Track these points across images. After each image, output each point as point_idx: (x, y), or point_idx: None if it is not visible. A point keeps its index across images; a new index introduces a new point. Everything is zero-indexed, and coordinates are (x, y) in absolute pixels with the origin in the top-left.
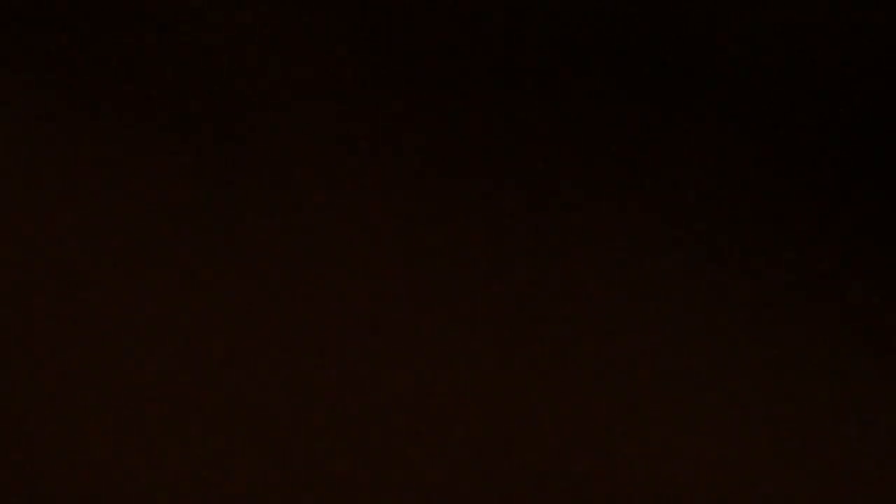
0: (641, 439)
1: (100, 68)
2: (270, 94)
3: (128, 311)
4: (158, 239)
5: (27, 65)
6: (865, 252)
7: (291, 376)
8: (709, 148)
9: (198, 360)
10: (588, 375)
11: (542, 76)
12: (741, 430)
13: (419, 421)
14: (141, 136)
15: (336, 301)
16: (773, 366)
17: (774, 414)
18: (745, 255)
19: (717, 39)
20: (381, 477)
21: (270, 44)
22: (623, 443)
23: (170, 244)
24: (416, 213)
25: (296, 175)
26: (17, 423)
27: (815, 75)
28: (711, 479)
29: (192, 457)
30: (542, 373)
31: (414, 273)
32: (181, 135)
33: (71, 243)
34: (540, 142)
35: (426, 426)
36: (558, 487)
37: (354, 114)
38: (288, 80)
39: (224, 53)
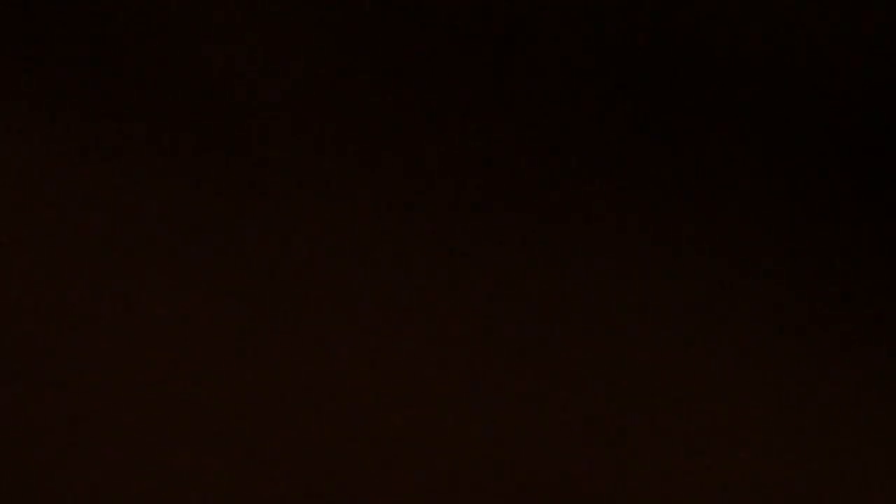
0: (641, 441)
1: (98, 73)
2: (271, 99)
3: (128, 315)
4: (158, 243)
5: (26, 71)
6: (867, 253)
7: (293, 379)
8: (708, 148)
9: (197, 364)
10: (588, 377)
11: (542, 77)
12: (740, 431)
13: (419, 424)
14: (140, 140)
15: (336, 304)
16: (774, 367)
17: (774, 415)
18: (746, 256)
19: (716, 40)
20: (382, 480)
21: (270, 49)
22: (622, 445)
23: (170, 248)
24: (417, 215)
25: (296, 180)
26: (18, 425)
27: (815, 76)
28: (711, 482)
29: (192, 460)
30: (543, 375)
31: (414, 275)
32: (181, 140)
33: (70, 249)
34: (540, 143)
35: (427, 429)
36: (559, 490)
37: (354, 118)
38: (288, 85)
39: (223, 59)
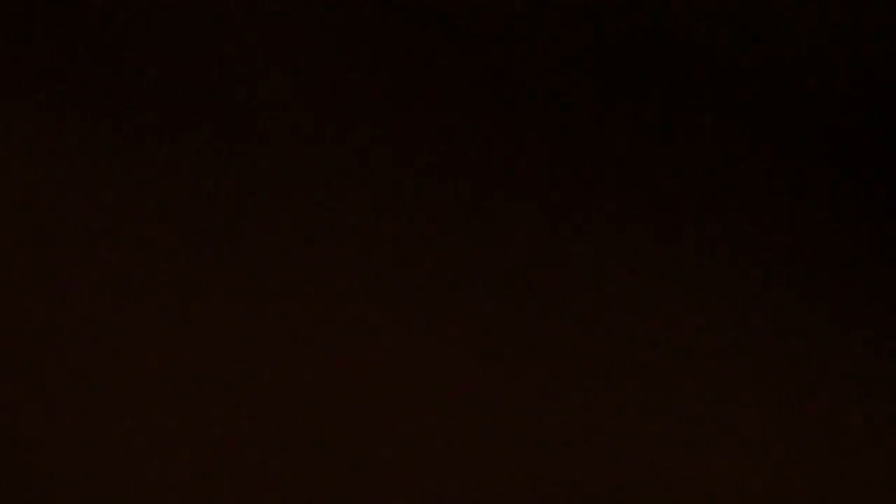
0: (641, 441)
1: (98, 73)
2: (271, 99)
3: (128, 314)
4: (158, 243)
5: (26, 71)
6: (867, 253)
7: (293, 379)
8: (708, 148)
9: (197, 364)
10: (588, 377)
11: (542, 77)
12: (740, 431)
13: (419, 424)
14: (140, 140)
15: (336, 304)
16: (773, 367)
17: (773, 416)
18: (746, 256)
19: (716, 40)
20: (382, 480)
21: (270, 49)
22: (622, 445)
23: (170, 248)
24: (417, 215)
25: (296, 180)
26: (18, 425)
27: (815, 76)
28: (710, 481)
29: (192, 460)
30: (543, 375)
31: (414, 275)
32: (181, 140)
33: (70, 249)
34: (540, 143)
35: (427, 429)
36: (559, 490)
37: (354, 118)
38: (288, 85)
39: (223, 59)
